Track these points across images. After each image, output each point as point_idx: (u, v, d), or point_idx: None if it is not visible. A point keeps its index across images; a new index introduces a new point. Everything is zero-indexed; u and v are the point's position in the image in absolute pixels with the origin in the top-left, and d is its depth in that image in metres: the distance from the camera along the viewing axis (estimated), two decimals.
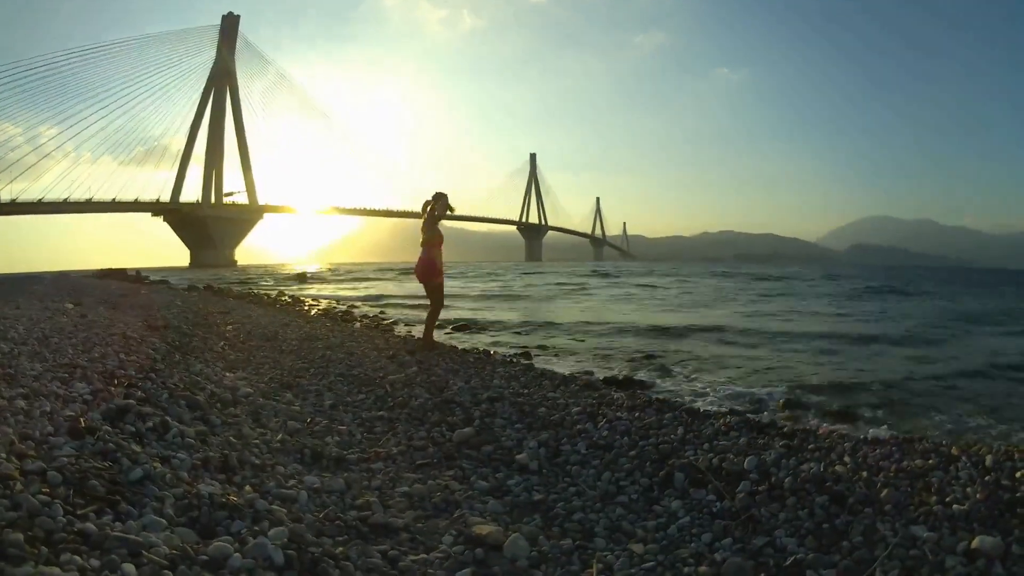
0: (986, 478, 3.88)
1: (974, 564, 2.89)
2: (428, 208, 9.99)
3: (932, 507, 3.45)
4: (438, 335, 12.14)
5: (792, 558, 2.99)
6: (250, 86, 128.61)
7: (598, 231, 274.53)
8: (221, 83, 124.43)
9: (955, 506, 3.43)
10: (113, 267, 50.31)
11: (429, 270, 9.95)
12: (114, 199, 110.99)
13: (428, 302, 10.42)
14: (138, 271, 46.99)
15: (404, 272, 63.98)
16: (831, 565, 2.93)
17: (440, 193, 10.05)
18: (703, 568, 2.92)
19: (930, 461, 4.33)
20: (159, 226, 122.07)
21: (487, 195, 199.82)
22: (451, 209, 10.18)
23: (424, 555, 2.87)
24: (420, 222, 10.09)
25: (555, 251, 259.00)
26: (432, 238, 9.88)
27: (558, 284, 44.80)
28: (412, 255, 10.23)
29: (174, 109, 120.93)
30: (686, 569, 2.93)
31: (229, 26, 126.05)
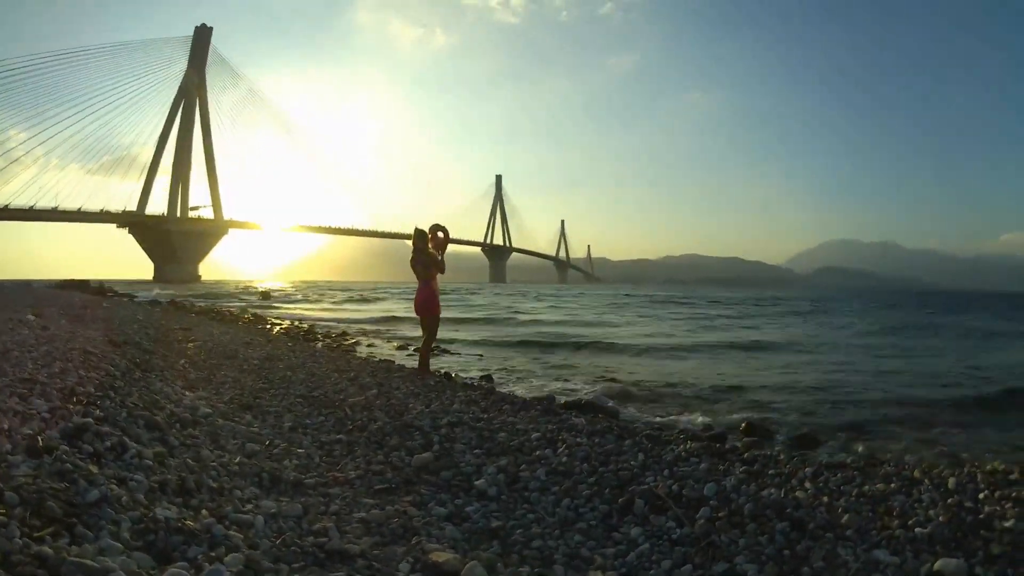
0: (948, 500, 3.95)
1: None
2: (429, 239, 10.29)
3: (894, 531, 3.50)
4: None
5: None
6: (220, 99, 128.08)
7: (562, 253, 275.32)
8: (191, 95, 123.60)
9: (917, 529, 3.48)
10: (75, 278, 49.62)
11: (431, 303, 10.35)
12: (80, 208, 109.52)
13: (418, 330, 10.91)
14: (101, 283, 46.39)
15: (367, 294, 63.72)
16: None
17: (439, 225, 10.48)
18: None
19: (892, 485, 4.41)
20: (124, 238, 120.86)
21: (453, 215, 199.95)
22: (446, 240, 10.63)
23: None
24: (409, 250, 10.38)
25: (520, 272, 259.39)
26: (433, 271, 10.26)
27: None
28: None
29: (144, 119, 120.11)
30: None
31: (201, 38, 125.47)
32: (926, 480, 4.50)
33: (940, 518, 3.62)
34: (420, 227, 10.35)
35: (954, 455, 6.76)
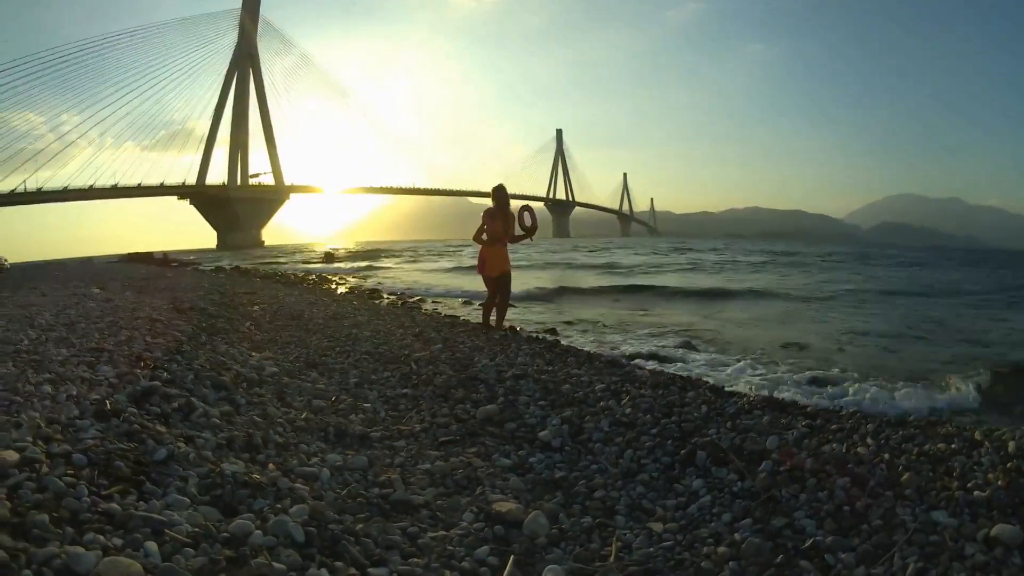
0: (1008, 465, 3.81)
1: (992, 552, 2.83)
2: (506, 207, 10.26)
3: (953, 493, 3.38)
4: None
5: (810, 540, 2.96)
6: (273, 67, 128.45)
7: (625, 207, 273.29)
8: (244, 65, 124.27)
9: (976, 492, 3.35)
10: (139, 251, 50.71)
11: (501, 263, 10.28)
12: (139, 184, 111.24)
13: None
14: (165, 254, 47.30)
15: (432, 250, 64.02)
16: (849, 549, 2.88)
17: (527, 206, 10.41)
18: (721, 548, 2.90)
19: (953, 446, 4.26)
20: (186, 209, 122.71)
21: (514, 171, 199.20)
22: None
23: (444, 532, 2.89)
24: (473, 207, 10.37)
25: (582, 227, 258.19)
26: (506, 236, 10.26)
27: None
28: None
29: (198, 92, 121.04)
30: (704, 548, 2.92)
31: (250, 8, 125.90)
32: (986, 443, 4.33)
33: (999, 482, 3.47)
34: (502, 184, 10.35)
35: (1017, 420, 6.56)
